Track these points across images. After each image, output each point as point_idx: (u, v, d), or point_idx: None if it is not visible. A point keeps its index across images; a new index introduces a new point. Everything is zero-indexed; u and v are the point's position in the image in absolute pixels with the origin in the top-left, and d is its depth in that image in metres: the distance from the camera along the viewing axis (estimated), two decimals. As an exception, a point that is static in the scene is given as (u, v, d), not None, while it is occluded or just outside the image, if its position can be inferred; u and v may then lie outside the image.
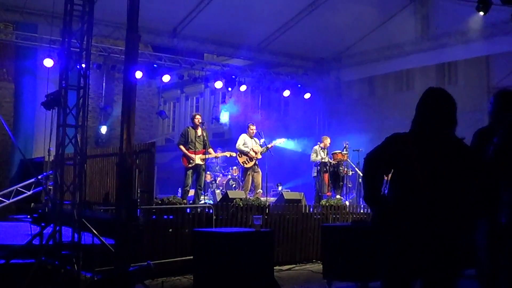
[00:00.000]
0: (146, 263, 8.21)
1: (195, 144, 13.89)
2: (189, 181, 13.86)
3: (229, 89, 19.73)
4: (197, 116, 14.38)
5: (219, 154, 15.98)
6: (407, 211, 3.91)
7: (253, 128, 15.55)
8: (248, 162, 15.20)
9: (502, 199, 4.38)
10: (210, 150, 14.41)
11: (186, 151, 13.77)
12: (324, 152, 16.23)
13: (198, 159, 13.85)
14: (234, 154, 15.53)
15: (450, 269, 3.92)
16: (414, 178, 3.90)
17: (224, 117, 19.87)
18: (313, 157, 16.17)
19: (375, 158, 4.10)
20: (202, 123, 14.21)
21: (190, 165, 13.79)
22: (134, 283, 7.54)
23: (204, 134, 14.09)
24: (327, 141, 16.40)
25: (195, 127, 14.13)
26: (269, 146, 15.51)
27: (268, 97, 22.88)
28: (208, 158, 14.75)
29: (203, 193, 14.06)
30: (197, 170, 13.91)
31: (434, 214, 3.84)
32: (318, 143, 16.45)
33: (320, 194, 15.51)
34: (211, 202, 13.62)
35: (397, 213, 3.96)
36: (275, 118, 23.26)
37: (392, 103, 20.63)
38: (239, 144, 15.26)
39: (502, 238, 4.30)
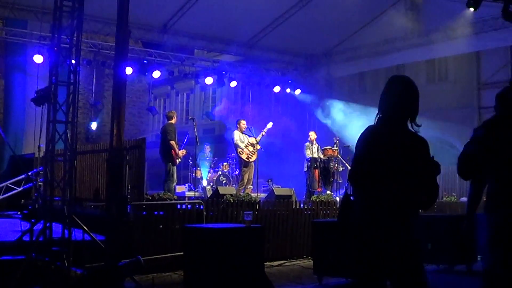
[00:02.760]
0: (135, 257, 8.17)
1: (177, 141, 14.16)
2: (176, 175, 14.00)
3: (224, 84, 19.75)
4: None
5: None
6: (368, 207, 3.92)
7: (244, 123, 15.53)
8: (252, 156, 15.11)
9: (487, 191, 4.41)
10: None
11: (177, 148, 13.84)
12: (314, 147, 16.25)
13: (181, 156, 14.22)
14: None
15: (410, 265, 3.90)
16: (375, 170, 3.89)
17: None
18: (306, 153, 16.22)
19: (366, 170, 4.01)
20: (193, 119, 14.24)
21: (177, 161, 13.96)
22: (124, 277, 7.55)
23: None
24: (312, 135, 16.44)
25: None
26: (263, 133, 15.47)
27: (258, 93, 22.87)
28: (199, 154, 14.70)
29: (193, 188, 14.04)
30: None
31: (391, 208, 3.83)
32: (308, 139, 16.52)
33: (310, 190, 15.56)
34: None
35: (361, 209, 3.98)
36: (265, 114, 23.08)
37: None
38: (237, 140, 15.16)
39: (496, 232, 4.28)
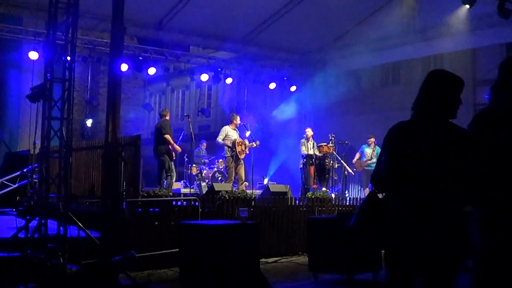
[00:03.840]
0: (129, 253, 8.16)
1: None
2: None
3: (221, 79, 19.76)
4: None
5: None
6: (404, 204, 3.82)
7: (237, 119, 15.43)
8: (242, 153, 14.99)
9: None
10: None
11: (173, 143, 13.91)
12: (310, 144, 16.26)
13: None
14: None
15: (448, 261, 3.78)
16: (409, 168, 3.80)
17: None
18: (302, 149, 16.25)
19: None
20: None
21: (173, 158, 14.07)
22: (118, 273, 7.56)
23: None
24: (309, 132, 16.46)
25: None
26: (256, 144, 15.33)
27: (254, 89, 22.88)
28: (195, 150, 14.70)
29: (188, 185, 13.96)
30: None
31: (429, 205, 3.73)
32: (304, 135, 16.53)
33: (306, 186, 15.55)
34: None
35: (393, 206, 3.87)
36: (260, 111, 23.32)
37: (378, 97, 20.84)
38: (219, 138, 15.03)
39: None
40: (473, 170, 3.69)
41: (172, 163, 14.02)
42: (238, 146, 14.85)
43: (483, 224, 3.68)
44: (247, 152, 15.04)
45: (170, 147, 13.88)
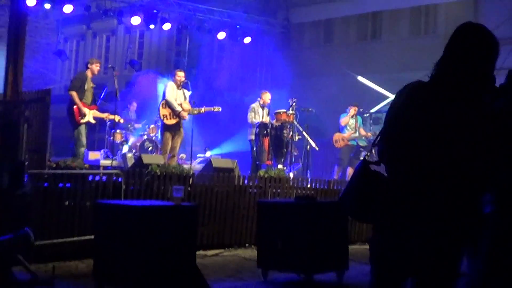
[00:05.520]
0: (23, 230, 7.97)
1: (86, 95, 13.91)
2: (84, 139, 13.82)
3: (151, 26, 19.50)
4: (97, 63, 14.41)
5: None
6: (402, 184, 3.87)
7: (181, 76, 15.28)
8: (170, 119, 14.93)
9: None
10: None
11: (79, 101, 13.63)
12: (264, 111, 16.30)
13: (91, 115, 13.84)
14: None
15: (450, 265, 3.81)
16: (417, 141, 3.81)
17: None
18: (250, 117, 16.24)
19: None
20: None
21: (82, 120, 13.69)
22: (11, 261, 7.42)
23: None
24: (267, 96, 16.45)
25: (91, 72, 14.16)
26: (202, 110, 15.37)
27: (198, 39, 22.78)
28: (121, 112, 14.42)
29: (110, 155, 14.17)
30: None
31: (434, 192, 3.75)
32: (258, 99, 16.52)
33: (257, 162, 15.62)
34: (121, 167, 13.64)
35: (389, 191, 3.93)
36: (205, 66, 23.17)
37: (354, 54, 20.71)
38: (170, 96, 14.94)
39: None
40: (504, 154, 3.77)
41: (82, 128, 13.74)
42: (163, 107, 14.91)
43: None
44: (178, 120, 15.02)
45: (75, 109, 13.59)
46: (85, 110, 13.63)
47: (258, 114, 16.20)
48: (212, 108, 15.64)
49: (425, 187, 3.75)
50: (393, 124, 3.94)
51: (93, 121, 13.94)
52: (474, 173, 3.72)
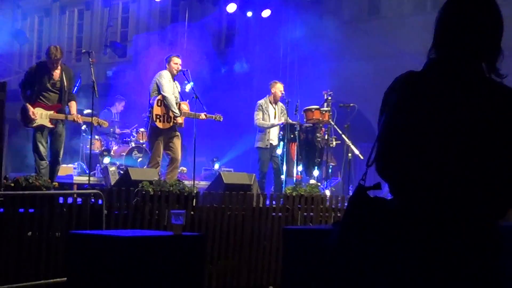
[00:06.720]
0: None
1: (46, 92, 13.51)
2: (43, 148, 13.41)
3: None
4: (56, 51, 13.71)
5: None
6: (405, 212, 3.64)
7: (177, 63, 14.79)
8: (164, 121, 14.51)
9: None
10: (72, 105, 13.86)
11: (28, 104, 13.25)
12: (277, 108, 15.90)
13: (45, 117, 13.32)
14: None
15: None
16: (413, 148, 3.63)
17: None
18: (257, 117, 15.81)
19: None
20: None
21: (31, 125, 13.31)
22: None
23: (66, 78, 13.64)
24: (278, 88, 16.01)
25: (51, 63, 13.52)
26: (202, 116, 14.99)
27: (198, 14, 23.35)
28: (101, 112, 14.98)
29: (86, 170, 14.54)
30: (52, 133, 13.53)
31: (445, 214, 3.53)
32: (268, 95, 16.04)
33: (283, 176, 15.30)
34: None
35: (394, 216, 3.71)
36: (210, 46, 23.63)
37: (407, 28, 21.05)
38: (168, 91, 14.50)
39: None
40: None
41: (39, 134, 13.38)
42: (158, 105, 14.47)
43: None
44: (172, 124, 14.63)
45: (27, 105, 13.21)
46: (36, 110, 13.24)
47: (267, 114, 15.81)
48: (213, 116, 15.42)
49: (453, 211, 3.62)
50: (394, 132, 3.74)
51: (49, 125, 13.44)
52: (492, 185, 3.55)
